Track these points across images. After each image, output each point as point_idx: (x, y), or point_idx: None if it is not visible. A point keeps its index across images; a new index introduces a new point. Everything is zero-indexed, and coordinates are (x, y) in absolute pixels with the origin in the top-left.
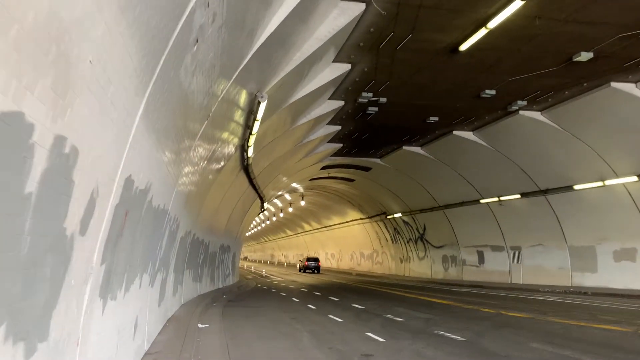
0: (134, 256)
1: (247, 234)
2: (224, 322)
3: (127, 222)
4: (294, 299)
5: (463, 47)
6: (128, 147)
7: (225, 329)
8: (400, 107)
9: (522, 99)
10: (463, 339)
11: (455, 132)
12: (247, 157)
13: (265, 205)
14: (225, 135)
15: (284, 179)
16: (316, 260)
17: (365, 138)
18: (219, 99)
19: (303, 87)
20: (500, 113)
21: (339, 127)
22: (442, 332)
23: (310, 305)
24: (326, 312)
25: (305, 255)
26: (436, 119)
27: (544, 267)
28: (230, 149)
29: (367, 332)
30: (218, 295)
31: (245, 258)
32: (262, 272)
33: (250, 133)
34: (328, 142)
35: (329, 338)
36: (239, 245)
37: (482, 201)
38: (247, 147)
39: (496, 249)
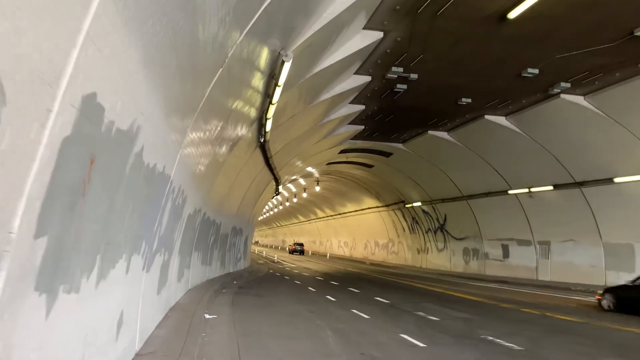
0: (113, 230)
1: (259, 218)
2: (235, 312)
3: (96, 175)
4: (310, 288)
5: (512, 14)
6: (83, 39)
7: (235, 322)
8: (432, 86)
9: (567, 81)
10: (520, 348)
11: (487, 117)
12: (265, 132)
13: (280, 188)
14: (240, 103)
15: (299, 163)
16: (301, 245)
17: (390, 120)
18: (231, 53)
19: (329, 55)
20: (539, 96)
21: (362, 107)
22: (490, 338)
23: (329, 297)
24: (348, 305)
25: (294, 241)
26: (469, 100)
27: (575, 264)
28: (247, 120)
29: (402, 333)
30: (228, 280)
31: (257, 242)
32: (274, 257)
33: (270, 102)
34: (349, 123)
35: (359, 340)
36: (251, 228)
37: (510, 192)
38: (266, 119)
39: (523, 243)
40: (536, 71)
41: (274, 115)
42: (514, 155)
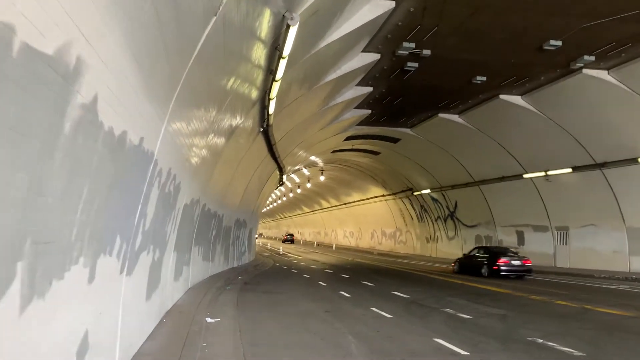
0: (53, 222)
1: (263, 210)
2: (240, 314)
3: None
4: (320, 282)
5: None
6: None
7: (241, 327)
8: (445, 63)
9: (591, 54)
10: (581, 353)
11: (501, 97)
12: (268, 115)
13: (284, 178)
14: (237, 81)
15: (302, 152)
16: (292, 235)
17: (398, 103)
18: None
19: (336, 28)
20: (559, 72)
21: (369, 89)
22: (540, 340)
23: (343, 292)
24: (365, 302)
25: (287, 232)
26: (484, 79)
27: (596, 249)
28: (247, 102)
29: (435, 337)
30: (233, 276)
31: (261, 235)
32: (279, 249)
33: (274, 79)
34: (355, 107)
35: (387, 347)
36: (255, 220)
37: (525, 176)
38: (269, 100)
39: (539, 229)
40: (559, 43)
41: (278, 97)
42: (530, 137)
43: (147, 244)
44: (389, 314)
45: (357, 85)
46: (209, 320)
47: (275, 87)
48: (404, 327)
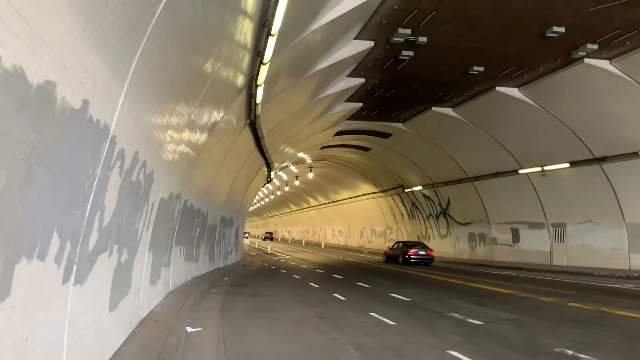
0: None
1: (250, 209)
2: (225, 322)
3: None
4: (312, 284)
5: None
6: None
7: (225, 338)
8: (441, 52)
9: (594, 42)
10: None
11: (498, 89)
12: (255, 104)
13: (272, 174)
14: (219, 63)
15: (289, 149)
16: (271, 233)
17: (391, 96)
18: None
19: (329, 9)
20: (559, 62)
21: (361, 80)
22: (570, 352)
23: (337, 295)
24: (363, 306)
25: (266, 231)
26: (481, 69)
27: (594, 247)
28: (232, 89)
29: (449, 349)
30: (218, 277)
31: (248, 234)
32: (267, 249)
33: (261, 62)
34: (346, 100)
35: None
36: (242, 218)
37: (521, 171)
38: (256, 87)
39: (535, 226)
40: (562, 30)
41: (266, 84)
42: (527, 132)
43: (107, 243)
44: (392, 321)
45: (348, 76)
46: (189, 329)
47: (264, 72)
48: (411, 337)
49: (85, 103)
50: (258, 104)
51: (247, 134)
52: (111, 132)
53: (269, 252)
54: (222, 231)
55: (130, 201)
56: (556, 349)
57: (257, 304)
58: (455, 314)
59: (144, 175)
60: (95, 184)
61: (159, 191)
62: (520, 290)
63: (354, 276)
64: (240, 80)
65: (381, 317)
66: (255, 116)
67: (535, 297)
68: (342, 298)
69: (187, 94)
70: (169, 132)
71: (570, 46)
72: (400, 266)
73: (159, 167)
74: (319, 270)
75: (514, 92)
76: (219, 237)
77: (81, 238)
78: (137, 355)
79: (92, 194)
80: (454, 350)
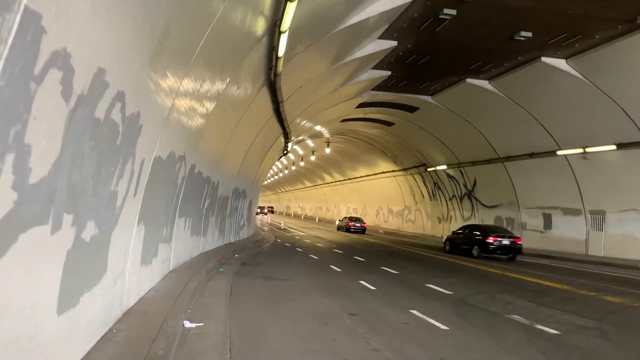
0: None
1: (264, 183)
2: (234, 315)
3: None
4: (333, 267)
5: None
6: None
7: (233, 340)
8: (487, 12)
9: None
10: None
11: (543, 59)
12: (277, 58)
13: (290, 146)
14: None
15: (305, 122)
16: (272, 207)
17: (424, 63)
18: None
19: None
20: (620, 29)
21: (394, 43)
22: None
23: (364, 283)
24: (398, 300)
25: (268, 205)
26: (529, 35)
27: (638, 237)
28: (249, 36)
29: None
30: (228, 253)
31: (262, 209)
32: (280, 224)
33: None
34: (374, 67)
35: None
36: (256, 191)
37: (559, 153)
38: (279, 34)
39: (570, 212)
40: None
41: (290, 33)
42: (570, 109)
43: (46, 212)
44: (442, 324)
45: (379, 37)
46: (187, 325)
47: (290, 11)
48: (477, 351)
49: None
50: (280, 57)
51: (265, 97)
52: (24, 4)
53: (282, 228)
54: (234, 204)
55: (98, 151)
56: None
57: (272, 290)
58: (516, 317)
59: (121, 115)
60: (26, 114)
61: (152, 146)
62: (575, 286)
63: (376, 259)
64: (260, 26)
65: (426, 318)
66: (275, 74)
67: (596, 295)
68: (371, 287)
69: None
70: (169, 75)
71: (637, 9)
72: (420, 249)
73: (151, 115)
74: (337, 251)
75: (560, 63)
76: (230, 209)
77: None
78: None
79: (21, 128)
80: None
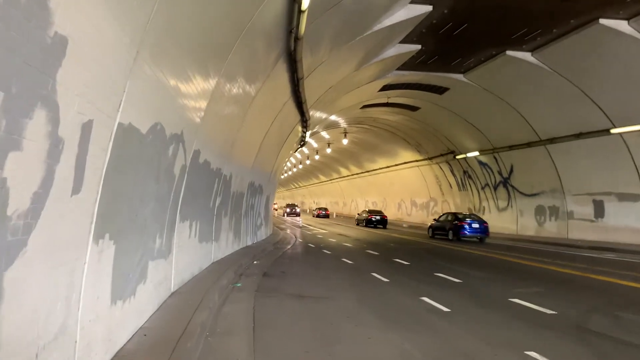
0: None
1: (281, 177)
2: None
3: None
4: (376, 275)
5: None
6: None
7: None
8: None
9: None
10: None
11: (602, 21)
12: (300, 12)
13: (308, 134)
14: None
15: (319, 114)
16: (294, 206)
17: (460, 33)
18: None
19: None
20: None
21: (428, 8)
22: None
23: (429, 301)
24: (493, 331)
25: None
26: None
27: None
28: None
29: None
30: (246, 261)
31: (275, 204)
32: (298, 221)
33: None
34: (402, 40)
35: None
36: (273, 185)
37: (613, 131)
38: None
39: (626, 197)
40: None
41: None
42: (628, 80)
43: None
44: None
45: (412, 2)
46: None
47: None
48: None
49: None
50: (304, 10)
51: (281, 73)
52: None
53: (301, 225)
54: (250, 201)
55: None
56: None
57: (310, 319)
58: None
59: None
60: None
61: (110, 99)
62: None
63: (420, 260)
64: None
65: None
66: (297, 37)
67: None
68: (442, 308)
69: None
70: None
71: None
72: (469, 246)
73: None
74: (371, 252)
75: (621, 25)
76: (246, 208)
77: None
78: None
79: None
80: None
